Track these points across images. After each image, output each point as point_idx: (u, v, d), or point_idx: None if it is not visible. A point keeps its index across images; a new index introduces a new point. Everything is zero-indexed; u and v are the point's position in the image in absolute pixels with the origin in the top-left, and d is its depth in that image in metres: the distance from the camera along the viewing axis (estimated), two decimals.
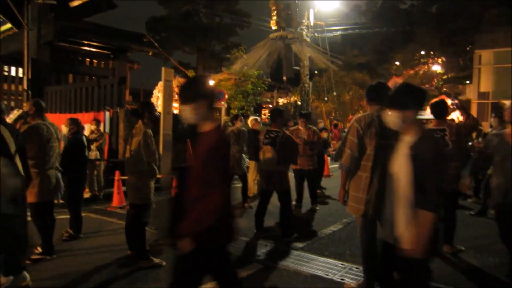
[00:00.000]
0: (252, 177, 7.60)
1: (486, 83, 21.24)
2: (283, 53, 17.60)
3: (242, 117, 7.34)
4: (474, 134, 7.12)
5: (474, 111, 19.64)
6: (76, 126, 5.20)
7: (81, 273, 3.83)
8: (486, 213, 6.20)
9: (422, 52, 28.32)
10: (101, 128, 8.09)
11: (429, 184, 2.11)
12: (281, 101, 22.52)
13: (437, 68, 27.41)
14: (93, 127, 7.74)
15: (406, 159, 2.21)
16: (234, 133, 6.88)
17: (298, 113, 6.75)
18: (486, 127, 11.23)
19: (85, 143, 5.29)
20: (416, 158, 2.17)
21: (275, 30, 17.46)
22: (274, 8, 17.63)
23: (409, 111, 2.23)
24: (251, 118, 7.29)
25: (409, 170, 2.18)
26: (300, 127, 6.54)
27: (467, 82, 23.59)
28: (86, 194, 7.28)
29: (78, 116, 7.24)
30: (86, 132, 7.73)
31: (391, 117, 2.28)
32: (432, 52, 27.76)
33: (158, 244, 4.50)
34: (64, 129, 6.00)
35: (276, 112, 5.37)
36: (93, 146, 7.39)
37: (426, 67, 28.14)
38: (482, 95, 21.20)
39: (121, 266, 4.02)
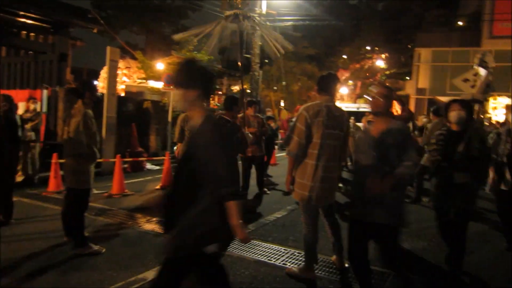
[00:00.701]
0: None
1: (423, 80, 22.65)
2: (236, 39, 17.34)
3: None
4: (410, 126, 7.55)
5: (412, 106, 20.91)
6: (8, 104, 4.83)
7: (12, 261, 3.57)
8: (420, 201, 6.66)
9: (368, 47, 29.55)
10: (38, 107, 7.56)
11: (216, 172, 1.94)
12: (234, 88, 22.42)
13: (380, 63, 28.77)
14: (32, 106, 7.21)
15: (188, 144, 2.09)
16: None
17: (247, 101, 6.71)
18: (422, 121, 11.91)
19: (18, 122, 4.92)
20: (197, 143, 2.02)
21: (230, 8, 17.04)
22: None
23: (190, 90, 2.06)
24: None
25: (191, 156, 2.03)
26: (249, 115, 6.52)
27: (407, 78, 24.99)
28: (19, 178, 6.82)
29: (12, 93, 6.69)
30: (20, 111, 7.20)
31: (176, 96, 2.14)
32: (376, 48, 29.07)
33: (97, 230, 4.32)
34: None
35: (232, 100, 5.23)
36: (28, 126, 6.89)
37: (371, 62, 29.44)
38: (420, 91, 22.59)
39: (57, 253, 3.81)
